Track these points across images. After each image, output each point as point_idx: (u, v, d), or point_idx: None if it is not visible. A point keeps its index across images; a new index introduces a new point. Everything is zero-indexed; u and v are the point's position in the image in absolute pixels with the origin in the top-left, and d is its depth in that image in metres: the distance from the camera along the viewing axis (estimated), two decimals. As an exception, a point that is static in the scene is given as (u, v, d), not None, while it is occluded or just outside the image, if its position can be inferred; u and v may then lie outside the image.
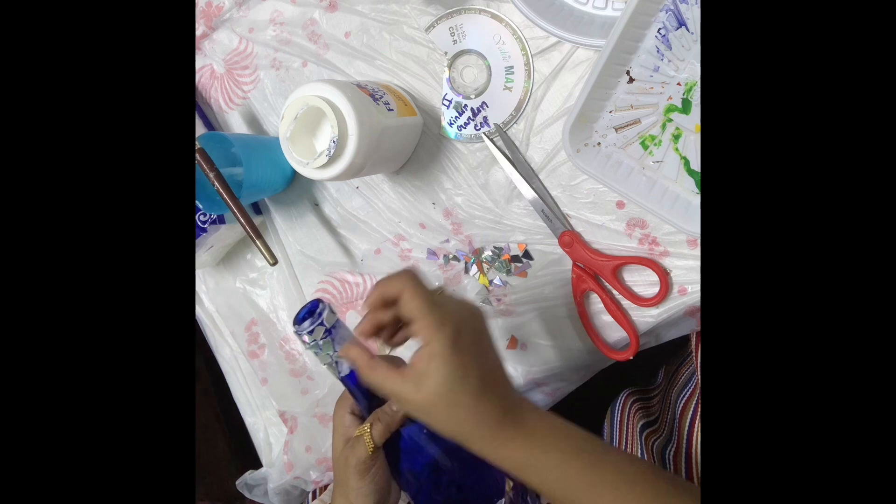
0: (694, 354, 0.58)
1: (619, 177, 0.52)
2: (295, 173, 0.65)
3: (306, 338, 0.44)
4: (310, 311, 0.45)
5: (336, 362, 0.46)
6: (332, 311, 0.45)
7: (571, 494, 0.41)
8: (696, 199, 0.51)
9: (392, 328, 0.46)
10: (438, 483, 0.46)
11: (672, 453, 0.57)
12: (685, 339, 0.62)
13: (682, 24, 0.48)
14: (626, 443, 0.64)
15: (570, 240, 0.56)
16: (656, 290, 0.54)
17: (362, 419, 0.48)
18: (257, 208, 0.68)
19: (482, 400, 0.41)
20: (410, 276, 0.43)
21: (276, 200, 0.68)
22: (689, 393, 0.58)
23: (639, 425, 0.64)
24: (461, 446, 0.46)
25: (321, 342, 0.44)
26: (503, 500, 0.48)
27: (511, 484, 0.48)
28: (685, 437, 0.56)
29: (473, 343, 0.42)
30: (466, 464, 0.47)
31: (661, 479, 0.42)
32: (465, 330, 0.42)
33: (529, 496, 0.51)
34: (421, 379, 0.41)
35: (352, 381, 0.46)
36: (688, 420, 0.57)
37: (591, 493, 0.40)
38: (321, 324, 0.44)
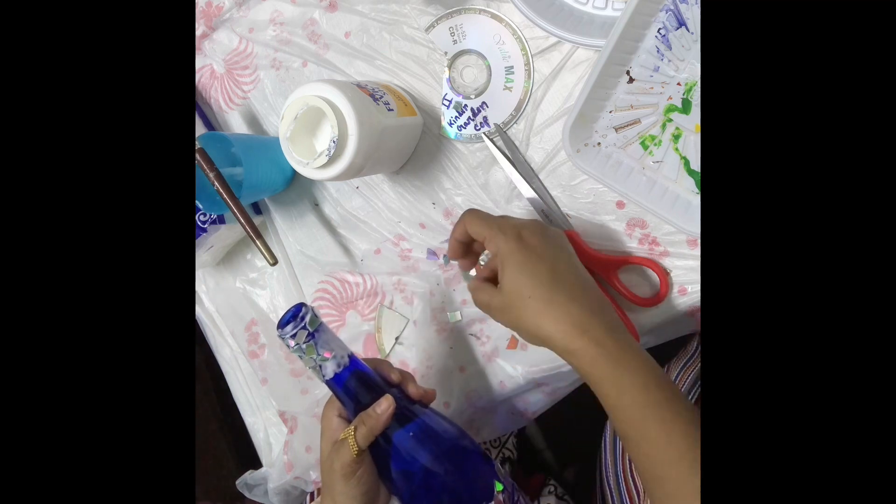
0: (700, 357, 0.58)
1: (619, 177, 0.52)
2: (295, 173, 0.65)
3: (290, 341, 0.45)
4: (293, 315, 0.45)
5: (320, 365, 0.46)
6: (315, 315, 0.46)
7: (641, 424, 0.40)
8: (696, 199, 0.51)
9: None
10: (429, 487, 0.46)
11: None
12: (686, 339, 0.62)
13: (682, 24, 0.48)
14: None
15: (570, 240, 0.56)
16: (656, 290, 0.54)
17: (349, 422, 0.48)
18: (257, 208, 0.68)
19: (556, 291, 0.42)
20: (468, 212, 0.48)
21: (276, 200, 0.68)
22: (696, 397, 0.58)
23: None
24: (452, 450, 0.47)
25: (304, 345, 0.45)
26: (492, 503, 0.47)
27: (501, 487, 0.48)
28: None
29: (541, 241, 0.45)
30: (457, 468, 0.47)
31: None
32: (527, 231, 0.45)
33: (521, 498, 0.51)
34: (501, 282, 0.44)
35: (337, 383, 0.47)
36: None
37: (662, 429, 0.40)
38: (304, 328, 0.45)
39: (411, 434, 0.46)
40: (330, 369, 0.46)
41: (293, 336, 0.45)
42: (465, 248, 0.50)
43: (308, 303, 0.47)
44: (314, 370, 0.46)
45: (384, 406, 0.46)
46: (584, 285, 0.45)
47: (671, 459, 0.39)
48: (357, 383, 0.47)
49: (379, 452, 0.47)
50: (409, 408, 0.48)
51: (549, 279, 0.43)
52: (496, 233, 0.45)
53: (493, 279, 0.47)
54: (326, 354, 0.46)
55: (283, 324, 0.45)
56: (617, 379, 0.41)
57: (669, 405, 0.40)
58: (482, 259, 0.53)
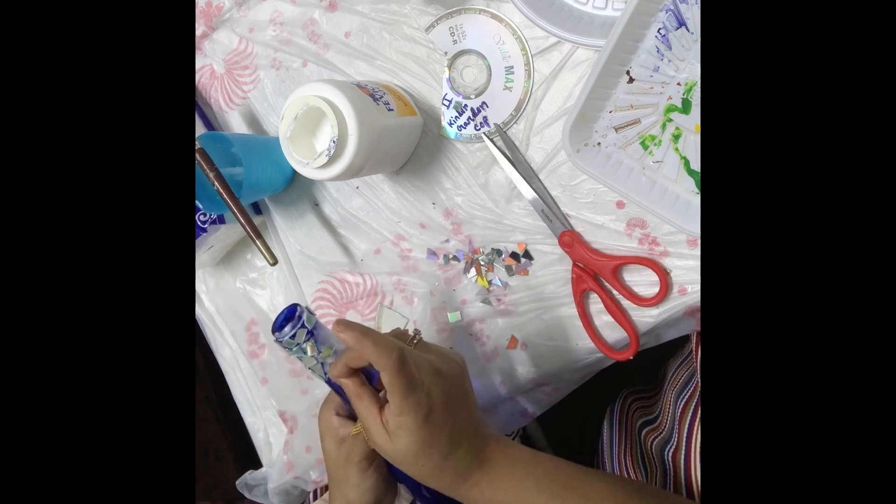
0: (694, 354, 0.58)
1: (619, 177, 0.52)
2: (295, 173, 0.65)
3: (289, 342, 0.45)
4: (288, 317, 0.45)
5: (322, 363, 0.46)
6: (310, 313, 0.46)
7: None
8: (696, 199, 0.51)
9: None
10: None
11: (671, 452, 0.57)
12: (685, 339, 0.62)
13: (682, 24, 0.48)
14: (625, 442, 0.64)
15: (570, 240, 0.56)
16: (656, 290, 0.54)
17: (350, 418, 0.48)
18: (257, 208, 0.68)
19: (448, 460, 0.43)
20: (397, 360, 0.42)
21: (276, 200, 0.68)
22: (689, 393, 0.58)
23: (638, 424, 0.64)
24: None
25: (305, 345, 0.45)
26: None
27: None
28: (685, 436, 0.56)
29: (445, 415, 0.43)
30: None
31: (634, 495, 0.43)
32: (437, 406, 0.43)
33: None
34: (392, 435, 0.43)
35: None
36: (688, 420, 0.57)
37: None
38: (302, 326, 0.45)
39: None
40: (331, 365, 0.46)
41: (293, 336, 0.45)
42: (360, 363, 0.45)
43: (303, 304, 0.47)
44: (315, 369, 0.46)
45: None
46: (473, 431, 0.45)
47: None
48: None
49: None
50: None
51: (445, 451, 0.43)
52: (409, 407, 0.42)
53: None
54: (327, 351, 0.46)
55: (278, 326, 0.45)
56: (503, 500, 0.43)
57: (555, 500, 0.43)
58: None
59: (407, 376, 0.42)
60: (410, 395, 0.42)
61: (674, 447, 0.57)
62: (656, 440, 0.60)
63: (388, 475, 0.50)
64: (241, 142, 0.60)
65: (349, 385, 0.44)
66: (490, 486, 0.44)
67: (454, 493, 0.45)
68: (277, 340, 0.45)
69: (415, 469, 0.44)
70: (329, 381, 0.47)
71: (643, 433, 0.62)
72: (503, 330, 0.61)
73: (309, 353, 0.45)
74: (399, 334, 0.48)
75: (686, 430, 0.56)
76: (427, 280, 0.63)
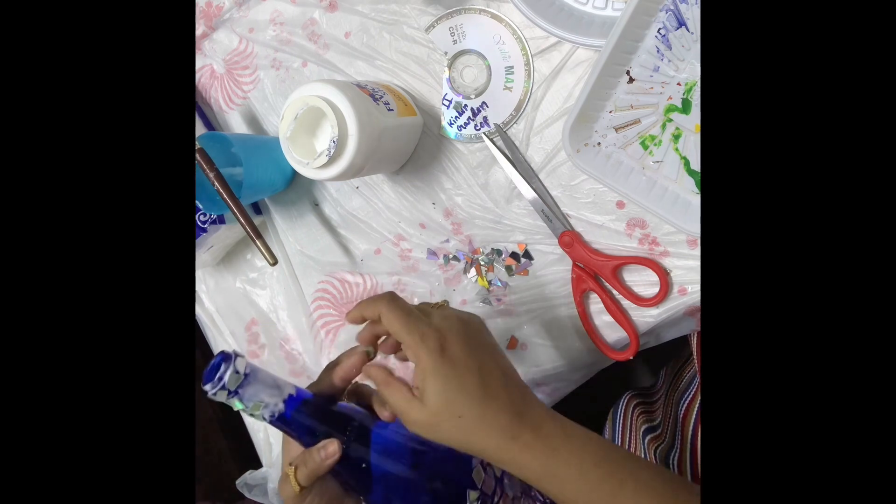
0: (695, 356, 0.58)
1: (619, 177, 0.52)
2: (295, 173, 0.65)
3: (212, 397, 0.43)
4: (213, 370, 0.43)
5: (253, 415, 0.44)
6: (236, 371, 0.43)
7: None
8: (696, 199, 0.51)
9: (396, 345, 0.46)
10: (402, 499, 0.46)
11: (676, 459, 0.57)
12: (685, 339, 0.62)
13: (682, 24, 0.48)
14: (630, 447, 0.64)
15: (570, 240, 0.56)
16: (656, 290, 0.54)
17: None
18: (257, 208, 0.68)
19: (488, 406, 0.40)
20: (387, 299, 0.43)
21: (276, 200, 0.68)
22: (690, 396, 0.58)
23: (641, 430, 0.64)
24: (417, 464, 0.45)
25: (229, 401, 0.43)
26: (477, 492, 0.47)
27: (476, 494, 0.47)
28: (689, 441, 0.56)
29: (465, 350, 0.41)
30: (424, 479, 0.46)
31: (681, 488, 0.41)
32: (451, 339, 0.41)
33: (506, 479, 0.50)
34: (422, 397, 0.40)
35: (280, 424, 0.45)
36: (691, 424, 0.56)
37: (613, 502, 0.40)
38: (223, 387, 0.42)
39: (374, 453, 0.45)
40: (266, 417, 0.44)
41: (214, 394, 0.42)
42: (379, 330, 0.45)
43: (235, 350, 0.45)
44: (254, 417, 0.45)
45: (329, 451, 0.44)
46: (508, 383, 0.43)
47: None
48: (297, 424, 0.45)
49: (339, 471, 0.45)
50: (367, 426, 0.46)
51: (479, 394, 0.40)
52: (417, 342, 0.41)
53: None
54: (256, 406, 0.44)
55: (204, 380, 0.43)
56: (553, 475, 0.40)
57: (611, 479, 0.40)
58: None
59: (403, 308, 0.41)
60: (412, 325, 0.41)
61: (678, 453, 0.57)
62: (660, 447, 0.60)
63: (342, 497, 0.46)
64: (241, 142, 0.60)
65: (378, 375, 0.43)
66: (545, 453, 0.40)
67: (504, 457, 0.41)
68: (205, 393, 0.43)
69: (456, 429, 0.40)
70: (273, 424, 0.45)
71: (647, 440, 0.62)
72: (503, 330, 0.61)
73: (237, 406, 0.44)
74: (424, 303, 0.47)
75: (690, 435, 0.56)
76: (427, 280, 0.63)
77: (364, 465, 0.45)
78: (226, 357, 0.43)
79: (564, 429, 0.42)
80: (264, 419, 0.44)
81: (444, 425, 0.40)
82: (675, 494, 0.40)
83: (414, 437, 0.46)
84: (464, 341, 0.42)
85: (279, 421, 0.45)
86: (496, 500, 0.49)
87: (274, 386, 0.45)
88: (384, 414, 0.46)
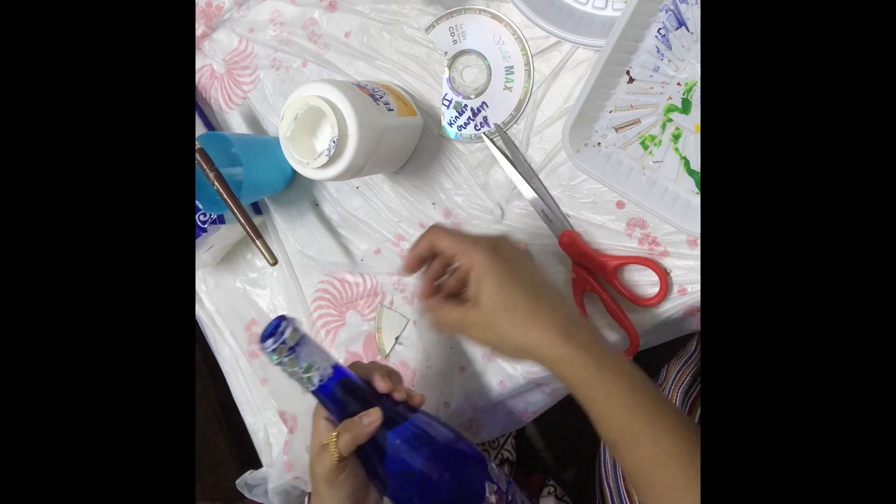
0: (699, 356, 0.58)
1: (619, 177, 0.52)
2: (295, 173, 0.65)
3: (272, 356, 0.44)
4: (273, 330, 0.45)
5: (303, 378, 0.45)
6: (295, 329, 0.45)
7: (629, 427, 0.40)
8: (696, 199, 0.51)
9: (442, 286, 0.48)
10: (418, 489, 0.46)
11: None
12: (685, 339, 0.62)
13: (682, 24, 0.48)
14: None
15: (570, 240, 0.56)
16: (656, 290, 0.54)
17: (335, 426, 0.47)
18: (257, 208, 0.68)
19: (541, 300, 0.42)
20: (433, 227, 0.46)
21: (276, 200, 0.68)
22: (696, 393, 0.58)
23: None
24: (441, 453, 0.46)
25: (286, 360, 0.44)
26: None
27: (494, 488, 0.48)
28: None
29: (516, 254, 0.44)
30: (447, 471, 0.47)
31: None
32: (502, 245, 0.44)
33: (518, 498, 0.51)
34: (477, 297, 0.42)
35: (324, 392, 0.46)
36: (696, 419, 0.56)
37: (651, 430, 0.40)
38: (283, 342, 0.44)
39: (399, 439, 0.46)
40: (316, 379, 0.46)
41: (274, 350, 0.44)
42: (422, 265, 0.48)
43: (301, 312, 0.47)
44: (299, 382, 0.46)
45: (372, 418, 0.45)
46: (560, 294, 0.45)
47: (660, 461, 0.39)
48: (342, 393, 0.47)
49: (366, 455, 0.47)
50: (398, 411, 0.48)
51: (531, 288, 0.42)
52: (469, 246, 0.43)
53: (454, 297, 0.46)
54: (308, 368, 0.45)
55: (264, 338, 0.45)
56: (604, 384, 0.41)
57: (656, 407, 0.40)
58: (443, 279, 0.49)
59: (452, 228, 0.45)
60: (464, 236, 0.44)
61: None
62: None
63: (365, 490, 0.48)
64: (241, 142, 0.60)
65: (429, 303, 0.46)
66: (600, 358, 0.40)
67: (561, 353, 0.41)
68: (261, 350, 0.45)
69: (512, 323, 0.41)
70: (314, 393, 0.47)
71: None
72: (503, 330, 0.61)
73: (289, 367, 0.45)
74: None
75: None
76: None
77: (394, 448, 0.46)
78: (284, 318, 0.45)
79: (617, 351, 0.43)
80: (311, 384, 0.46)
81: (501, 321, 0.42)
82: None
83: (439, 431, 0.48)
84: (513, 248, 0.45)
85: (322, 390, 0.46)
86: (509, 498, 0.49)
87: (324, 352, 0.47)
88: (382, 385, 0.48)
